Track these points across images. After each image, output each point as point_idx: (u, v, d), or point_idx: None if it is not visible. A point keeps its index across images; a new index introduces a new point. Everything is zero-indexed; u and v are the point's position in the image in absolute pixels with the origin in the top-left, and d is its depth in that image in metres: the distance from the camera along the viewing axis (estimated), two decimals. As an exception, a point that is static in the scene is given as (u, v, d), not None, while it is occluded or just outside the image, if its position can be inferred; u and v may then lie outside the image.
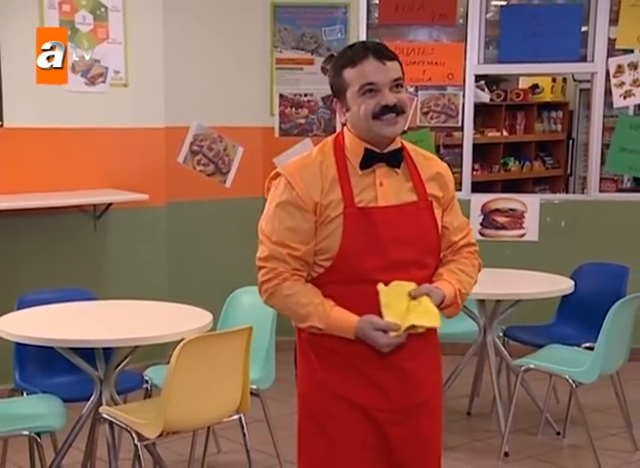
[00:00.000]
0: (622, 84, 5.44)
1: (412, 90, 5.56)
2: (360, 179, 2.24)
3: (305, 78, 5.53)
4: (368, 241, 2.21)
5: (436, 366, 2.42)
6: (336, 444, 2.29)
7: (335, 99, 2.29)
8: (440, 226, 2.32)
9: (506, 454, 4.02)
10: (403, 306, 2.20)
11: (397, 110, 2.19)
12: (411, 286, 2.22)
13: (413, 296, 2.20)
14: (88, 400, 3.47)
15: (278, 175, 2.28)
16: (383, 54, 2.20)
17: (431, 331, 2.30)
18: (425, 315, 2.20)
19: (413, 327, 2.19)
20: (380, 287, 2.20)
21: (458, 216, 2.40)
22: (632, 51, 5.43)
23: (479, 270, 2.43)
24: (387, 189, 2.25)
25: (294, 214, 2.21)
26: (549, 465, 4.02)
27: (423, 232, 2.27)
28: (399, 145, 2.29)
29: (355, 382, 2.27)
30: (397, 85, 2.20)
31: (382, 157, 2.25)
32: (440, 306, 2.25)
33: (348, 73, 2.20)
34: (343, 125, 2.30)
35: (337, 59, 2.27)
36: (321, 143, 2.33)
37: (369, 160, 2.24)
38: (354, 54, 2.21)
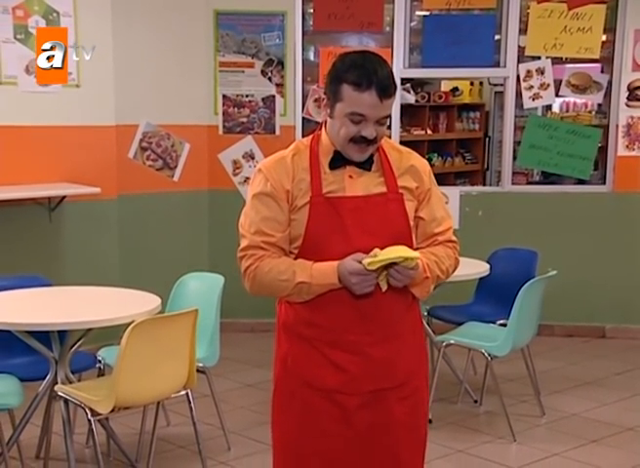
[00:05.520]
0: (531, 87, 5.54)
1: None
2: (330, 174, 2.17)
3: (247, 80, 5.49)
4: (333, 229, 2.12)
5: (415, 351, 2.27)
6: (304, 429, 2.21)
7: (325, 95, 2.14)
8: (413, 217, 2.20)
9: (430, 421, 4.09)
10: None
11: (372, 142, 2.12)
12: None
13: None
14: (44, 379, 3.42)
15: (258, 171, 2.20)
16: (385, 91, 2.06)
17: (407, 317, 2.21)
18: (402, 251, 2.04)
19: (389, 265, 2.03)
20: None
21: (438, 210, 2.25)
22: (539, 58, 5.53)
23: (455, 266, 2.27)
24: (357, 182, 2.17)
25: (269, 204, 2.15)
26: (468, 430, 4.10)
27: (391, 222, 2.15)
28: None
29: (321, 367, 2.18)
30: (383, 120, 2.12)
31: (351, 161, 2.17)
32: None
33: (347, 91, 2.07)
34: (324, 122, 2.21)
35: (344, 65, 2.09)
36: (299, 140, 2.26)
37: (337, 162, 2.17)
38: (361, 77, 2.05)
